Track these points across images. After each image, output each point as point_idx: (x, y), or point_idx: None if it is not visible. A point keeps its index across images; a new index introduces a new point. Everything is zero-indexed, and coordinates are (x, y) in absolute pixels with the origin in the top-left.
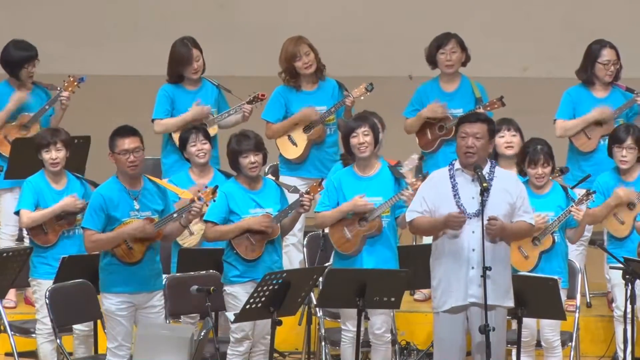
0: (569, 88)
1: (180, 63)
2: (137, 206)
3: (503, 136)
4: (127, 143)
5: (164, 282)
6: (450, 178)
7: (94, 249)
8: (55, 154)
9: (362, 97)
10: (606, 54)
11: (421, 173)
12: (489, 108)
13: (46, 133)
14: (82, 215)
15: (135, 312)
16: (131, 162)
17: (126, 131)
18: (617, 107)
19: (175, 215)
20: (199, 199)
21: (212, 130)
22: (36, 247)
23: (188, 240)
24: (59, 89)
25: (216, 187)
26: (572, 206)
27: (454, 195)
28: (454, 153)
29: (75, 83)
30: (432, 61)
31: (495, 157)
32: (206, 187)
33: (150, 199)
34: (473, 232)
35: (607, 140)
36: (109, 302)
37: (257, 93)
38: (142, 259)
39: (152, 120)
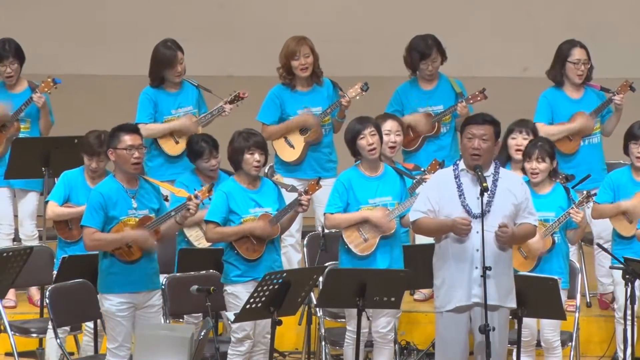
0: (544, 91)
1: (164, 65)
2: (135, 205)
3: (515, 138)
4: (132, 139)
5: (164, 282)
6: (455, 178)
7: (95, 248)
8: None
9: (357, 97)
10: (576, 54)
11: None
12: (471, 101)
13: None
14: None
15: (134, 312)
16: (136, 159)
17: (130, 128)
18: (591, 107)
19: (172, 213)
20: (196, 197)
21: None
22: (60, 241)
23: (203, 241)
24: (36, 90)
25: (212, 184)
26: (571, 208)
27: (459, 196)
28: (437, 152)
29: (52, 84)
30: (413, 68)
31: (508, 158)
32: (202, 185)
33: (147, 197)
34: (477, 232)
35: (587, 141)
36: (109, 303)
37: (237, 92)
38: (141, 258)
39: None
